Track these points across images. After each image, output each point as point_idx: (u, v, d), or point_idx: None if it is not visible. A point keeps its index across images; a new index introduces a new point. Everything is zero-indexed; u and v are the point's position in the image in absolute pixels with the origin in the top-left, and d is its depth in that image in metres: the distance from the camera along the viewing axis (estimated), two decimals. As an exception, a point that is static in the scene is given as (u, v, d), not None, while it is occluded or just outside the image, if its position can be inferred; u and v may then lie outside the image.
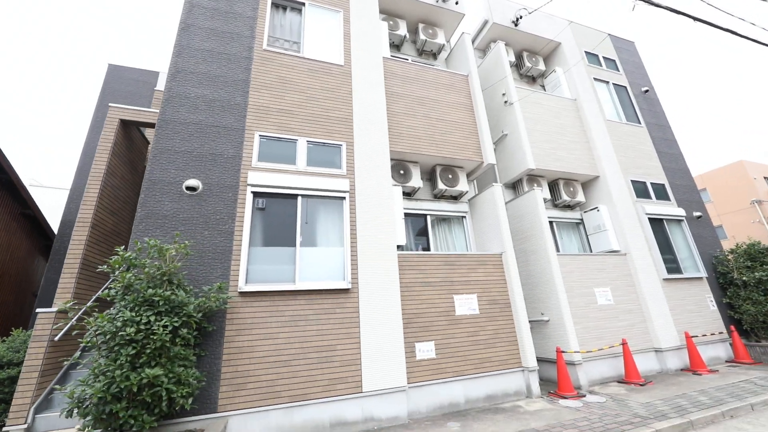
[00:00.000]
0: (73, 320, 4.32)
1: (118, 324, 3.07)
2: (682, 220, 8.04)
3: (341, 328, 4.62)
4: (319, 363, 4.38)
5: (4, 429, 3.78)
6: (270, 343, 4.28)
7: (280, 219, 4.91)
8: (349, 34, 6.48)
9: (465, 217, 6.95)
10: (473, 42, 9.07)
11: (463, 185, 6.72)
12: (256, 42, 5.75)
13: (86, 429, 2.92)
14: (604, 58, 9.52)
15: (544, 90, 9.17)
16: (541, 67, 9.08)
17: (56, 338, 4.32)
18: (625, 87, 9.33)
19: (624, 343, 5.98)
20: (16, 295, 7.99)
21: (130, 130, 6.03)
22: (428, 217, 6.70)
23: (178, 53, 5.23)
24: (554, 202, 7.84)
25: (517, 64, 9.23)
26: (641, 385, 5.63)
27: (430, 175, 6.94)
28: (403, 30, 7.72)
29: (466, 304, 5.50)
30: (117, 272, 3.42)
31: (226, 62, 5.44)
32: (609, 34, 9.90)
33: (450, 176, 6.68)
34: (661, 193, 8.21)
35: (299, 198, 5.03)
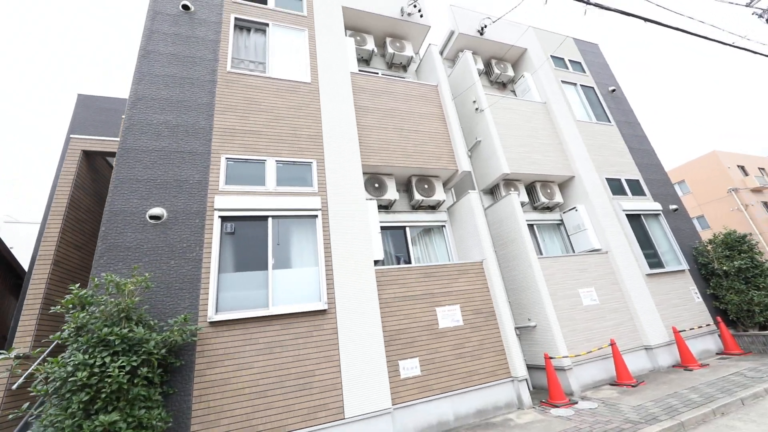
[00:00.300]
0: (33, 366, 4.06)
1: (69, 369, 2.87)
2: (659, 214, 8.14)
3: (320, 351, 4.44)
4: (298, 390, 4.18)
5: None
6: (244, 373, 4.08)
7: (250, 242, 4.77)
8: (315, 52, 6.50)
9: (444, 226, 6.90)
10: (442, 53, 9.24)
11: (439, 194, 6.69)
12: (219, 65, 5.70)
13: (33, 489, 2.68)
14: (570, 60, 9.77)
15: (515, 95, 9.34)
16: (510, 73, 9.27)
17: (14, 387, 4.06)
18: (593, 87, 9.57)
19: (612, 344, 5.91)
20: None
21: (95, 161, 5.87)
22: (407, 229, 6.63)
23: (138, 80, 5.14)
24: (533, 204, 7.87)
25: (487, 72, 9.40)
26: (633, 386, 5.54)
27: (406, 187, 6.90)
28: (370, 45, 7.81)
29: (450, 316, 5.38)
30: (69, 312, 3.22)
31: (189, 86, 5.37)
32: (572, 38, 10.20)
33: (426, 186, 6.66)
34: (636, 189, 8.32)
35: (270, 219, 4.90)
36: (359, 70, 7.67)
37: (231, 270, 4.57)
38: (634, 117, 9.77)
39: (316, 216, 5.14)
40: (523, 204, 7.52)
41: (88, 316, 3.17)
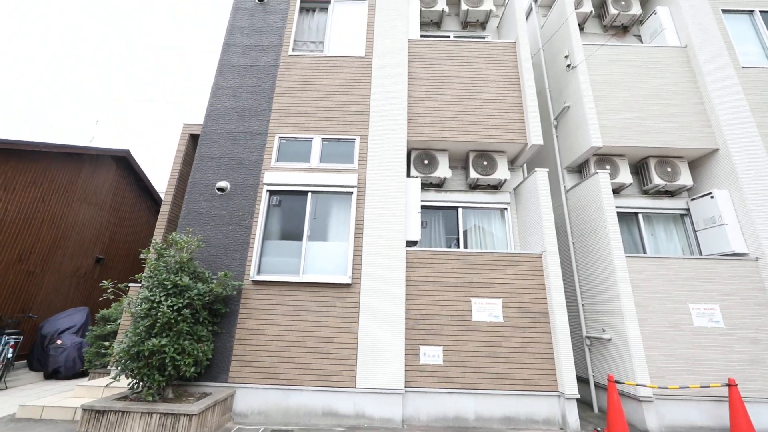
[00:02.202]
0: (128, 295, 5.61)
1: (138, 301, 3.88)
2: None
3: (340, 321, 4.70)
4: (316, 352, 4.57)
5: (109, 367, 5.24)
6: (274, 328, 4.68)
7: (291, 214, 5.26)
8: (373, 23, 6.31)
9: (506, 209, 6.03)
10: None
11: (502, 172, 5.82)
12: (282, 50, 6.18)
13: (117, 377, 3.82)
14: (746, -23, 6.65)
15: (640, 41, 7.03)
16: (635, 11, 6.95)
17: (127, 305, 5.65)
18: (787, 13, 6.34)
19: (731, 384, 4.25)
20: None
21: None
22: (460, 210, 6.07)
23: (219, 72, 6.07)
24: (642, 187, 6.03)
25: (600, 15, 7.31)
26: (754, 447, 3.92)
27: (464, 163, 6.25)
28: (441, 4, 7.04)
29: (487, 310, 4.82)
30: (147, 260, 4.30)
31: (257, 73, 6.04)
32: (760, -59, 6.83)
33: (485, 163, 5.88)
34: None
35: (309, 194, 5.27)
36: (424, 36, 7.11)
37: (273, 238, 5.17)
38: None
39: (352, 193, 5.23)
40: (623, 186, 5.89)
41: (156, 263, 4.16)
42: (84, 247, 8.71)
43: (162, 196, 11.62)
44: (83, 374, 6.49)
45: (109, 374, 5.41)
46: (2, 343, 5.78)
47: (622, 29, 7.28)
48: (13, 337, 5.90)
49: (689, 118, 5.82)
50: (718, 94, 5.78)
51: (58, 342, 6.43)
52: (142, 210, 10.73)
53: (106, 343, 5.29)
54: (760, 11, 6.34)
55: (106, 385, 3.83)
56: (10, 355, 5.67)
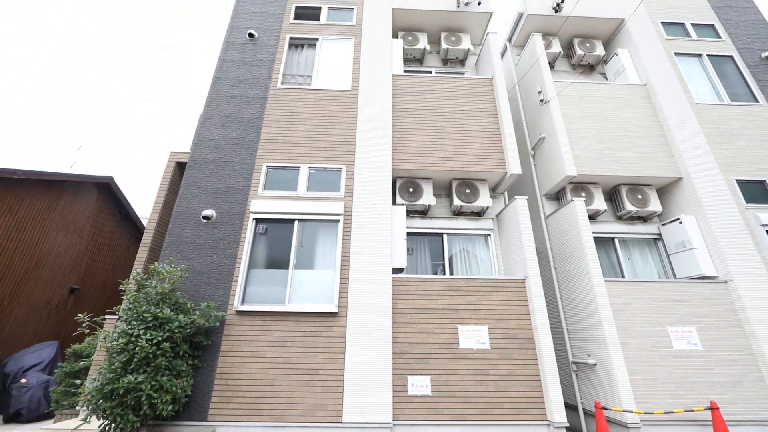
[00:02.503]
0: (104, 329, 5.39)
1: (115, 335, 3.73)
2: (839, 233, 5.51)
3: (326, 352, 4.61)
4: (301, 386, 4.43)
5: (78, 407, 4.91)
6: (258, 360, 4.54)
7: (277, 243, 5.26)
8: (359, 59, 6.67)
9: (489, 235, 6.19)
10: (510, 39, 8.23)
11: (484, 200, 6.03)
12: (272, 83, 6.41)
13: (87, 418, 3.60)
14: (693, 25, 7.43)
15: (605, 78, 7.64)
16: (599, 52, 7.61)
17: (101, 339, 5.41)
18: (731, 57, 7.06)
19: (713, 408, 4.33)
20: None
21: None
22: (445, 237, 6.20)
23: (208, 103, 6.21)
24: (616, 213, 6.35)
25: (568, 54, 7.95)
26: (739, 472, 3.96)
27: (448, 191, 6.46)
28: (423, 43, 7.53)
29: (474, 337, 4.84)
30: (127, 291, 4.18)
31: (245, 104, 6.21)
32: (703, -6, 7.71)
33: (468, 191, 6.09)
34: (796, 196, 5.82)
35: (296, 222, 5.30)
36: (407, 71, 7.53)
37: (259, 266, 5.13)
38: (808, 91, 6.81)
39: (338, 221, 5.30)
40: (598, 213, 6.18)
41: (136, 295, 4.05)
42: (58, 276, 8.35)
43: (145, 222, 11.41)
44: (48, 416, 6.03)
45: (77, 416, 5.06)
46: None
47: (588, 67, 7.91)
48: (-28, 376, 5.49)
49: (654, 150, 6.26)
50: (677, 128, 6.27)
51: (23, 381, 6.01)
52: (122, 237, 10.45)
53: (77, 381, 4.99)
54: (707, 55, 7.04)
55: (75, 428, 3.58)
56: (-34, 398, 5.25)
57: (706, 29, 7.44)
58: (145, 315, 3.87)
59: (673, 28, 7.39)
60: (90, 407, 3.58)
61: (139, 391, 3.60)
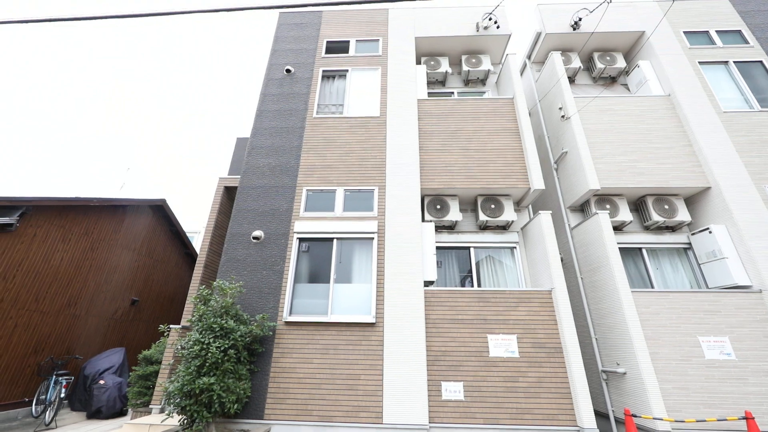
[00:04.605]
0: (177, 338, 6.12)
1: (190, 343, 4.39)
2: None
3: (366, 359, 5.07)
4: (345, 389, 4.91)
5: (150, 406, 5.65)
6: (306, 366, 5.08)
7: (318, 259, 5.83)
8: (386, 87, 7.23)
9: (515, 248, 6.47)
10: (530, 57, 8.53)
11: (508, 214, 6.34)
12: (308, 113, 7.09)
13: (169, 414, 4.25)
14: (718, 32, 7.42)
15: (628, 90, 7.75)
16: (620, 64, 7.75)
17: (177, 347, 6.14)
18: (760, 62, 7.00)
19: (748, 417, 4.38)
20: (180, 310, 11.39)
21: (233, 193, 8.17)
22: (472, 250, 6.55)
23: (253, 134, 6.97)
24: (643, 223, 6.44)
25: (588, 68, 8.14)
26: (777, 482, 3.99)
27: (473, 206, 6.81)
28: (444, 66, 8.00)
29: (503, 346, 5.14)
30: (195, 305, 4.86)
31: (286, 134, 6.91)
32: None
33: (493, 206, 6.43)
34: (836, 202, 5.70)
35: (335, 240, 5.86)
36: (431, 93, 8.01)
37: (303, 281, 5.71)
38: None
39: (373, 238, 5.81)
40: (624, 224, 6.31)
41: (204, 308, 4.71)
42: (122, 290, 9.39)
43: (189, 236, 12.46)
44: (121, 413, 6.87)
45: (149, 413, 5.80)
46: (55, 384, 6.28)
47: (610, 80, 8.05)
48: (65, 378, 6.41)
49: (680, 160, 6.33)
50: (704, 137, 6.31)
51: (101, 382, 6.89)
52: (173, 253, 11.51)
53: (150, 383, 5.73)
54: (734, 61, 7.02)
55: (162, 422, 4.23)
56: (62, 395, 6.14)
57: (732, 35, 7.41)
58: (214, 326, 4.51)
59: (697, 36, 7.43)
60: (172, 404, 4.24)
61: (211, 391, 4.22)
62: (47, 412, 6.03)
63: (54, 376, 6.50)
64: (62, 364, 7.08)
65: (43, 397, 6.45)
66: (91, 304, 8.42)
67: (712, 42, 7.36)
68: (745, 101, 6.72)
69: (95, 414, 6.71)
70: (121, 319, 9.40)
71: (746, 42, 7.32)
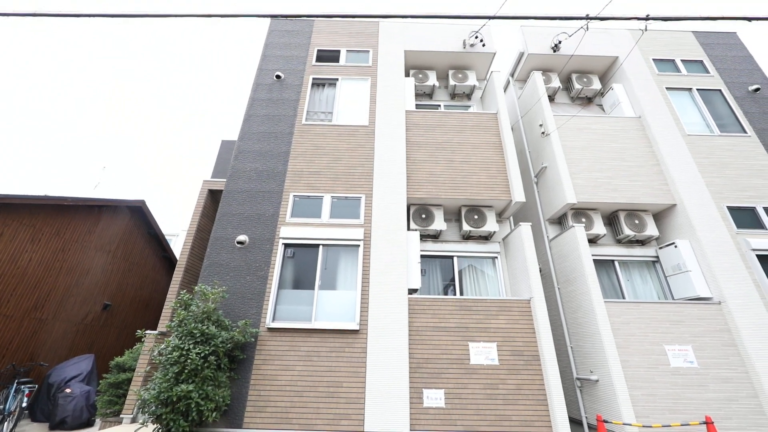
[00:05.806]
0: (153, 344, 5.94)
1: (168, 349, 4.28)
2: (827, 257, 5.87)
3: (349, 366, 5.08)
4: (327, 397, 4.89)
5: (121, 416, 5.42)
6: (287, 373, 5.03)
7: (304, 265, 5.82)
8: (375, 97, 7.38)
9: (497, 258, 6.67)
10: (513, 75, 8.92)
11: (491, 225, 6.55)
12: (297, 119, 7.13)
13: (144, 423, 4.11)
14: (683, 61, 8.03)
15: (603, 110, 8.23)
16: (596, 86, 8.23)
17: (154, 353, 5.95)
18: (719, 90, 7.61)
19: (708, 422, 4.66)
20: (156, 316, 10.98)
21: (217, 196, 8.05)
22: (455, 259, 6.70)
23: (241, 138, 6.93)
24: (616, 237, 6.79)
25: (566, 88, 8.59)
26: (734, 483, 4.26)
27: (457, 216, 6.99)
28: (432, 80, 8.25)
29: (484, 353, 5.27)
30: (175, 310, 4.75)
31: (274, 139, 6.92)
32: (691, 32, 8.35)
33: (476, 217, 6.63)
34: (784, 221, 6.22)
35: (320, 247, 5.87)
36: (418, 105, 8.23)
37: (287, 287, 5.68)
38: (795, 122, 7.29)
39: (359, 246, 5.86)
40: (598, 237, 6.64)
41: (184, 313, 4.61)
42: (94, 293, 8.99)
43: (168, 239, 12.10)
44: (88, 424, 6.52)
45: (120, 423, 5.56)
46: (16, 392, 5.92)
47: (587, 100, 8.52)
48: (27, 386, 6.05)
49: (650, 178, 6.75)
50: (670, 158, 6.77)
51: (67, 390, 6.54)
52: (150, 256, 11.13)
53: (122, 391, 5.51)
54: (697, 89, 7.60)
55: (135, 431, 4.08)
56: (24, 405, 5.79)
57: (695, 65, 8.03)
58: (195, 331, 4.42)
59: (664, 64, 8.01)
60: (147, 413, 4.10)
61: (189, 399, 4.11)
62: (5, 424, 5.67)
63: (15, 384, 6.12)
64: (25, 372, 6.68)
65: (2, 407, 6.05)
66: (60, 307, 8.01)
67: (678, 70, 7.95)
68: (706, 126, 7.27)
69: (59, 425, 6.34)
70: (91, 325, 8.98)
71: (707, 71, 7.94)
